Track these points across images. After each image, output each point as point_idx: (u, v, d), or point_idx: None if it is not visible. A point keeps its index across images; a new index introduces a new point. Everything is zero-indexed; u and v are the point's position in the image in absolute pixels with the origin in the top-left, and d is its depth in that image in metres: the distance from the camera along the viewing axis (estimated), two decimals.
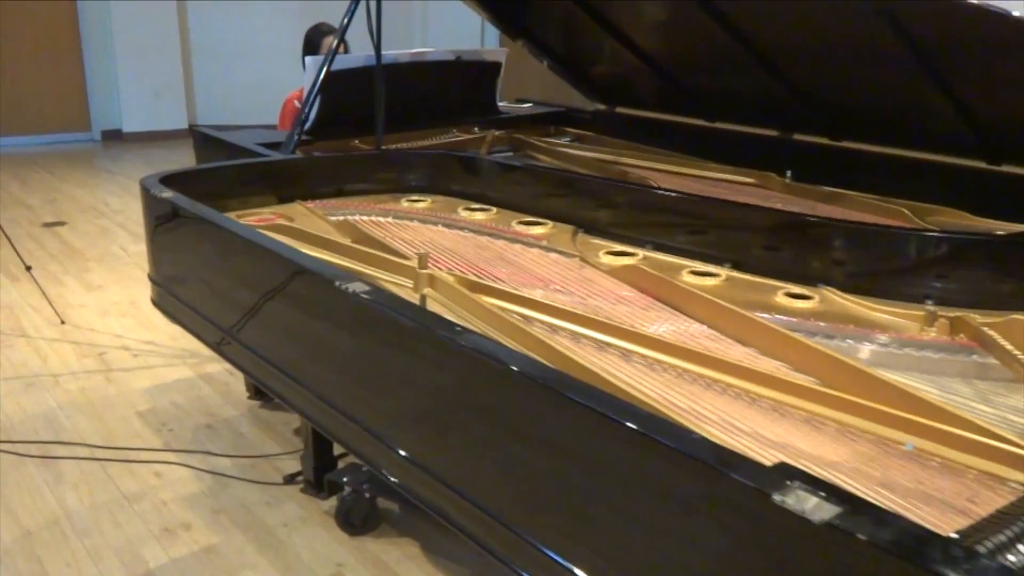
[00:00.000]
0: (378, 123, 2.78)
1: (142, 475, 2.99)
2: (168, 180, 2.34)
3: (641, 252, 2.27)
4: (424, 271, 1.85)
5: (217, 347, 2.25)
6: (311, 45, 4.06)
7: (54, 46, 8.60)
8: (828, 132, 3.11)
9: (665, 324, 1.77)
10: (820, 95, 3.00)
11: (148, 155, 8.35)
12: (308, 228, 2.24)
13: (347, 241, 2.18)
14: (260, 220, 2.39)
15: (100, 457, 3.09)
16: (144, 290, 4.80)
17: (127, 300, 4.64)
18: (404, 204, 2.61)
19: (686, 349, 1.55)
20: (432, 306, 1.83)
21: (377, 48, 2.74)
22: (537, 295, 1.85)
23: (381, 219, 2.39)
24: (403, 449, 1.65)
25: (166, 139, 8.92)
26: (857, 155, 3.03)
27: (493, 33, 9.93)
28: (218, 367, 3.83)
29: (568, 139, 3.81)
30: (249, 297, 2.00)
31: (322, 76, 3.01)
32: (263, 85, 9.23)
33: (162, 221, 2.26)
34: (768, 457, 1.27)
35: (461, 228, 2.35)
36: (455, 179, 2.73)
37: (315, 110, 3.32)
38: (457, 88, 3.76)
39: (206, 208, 2.11)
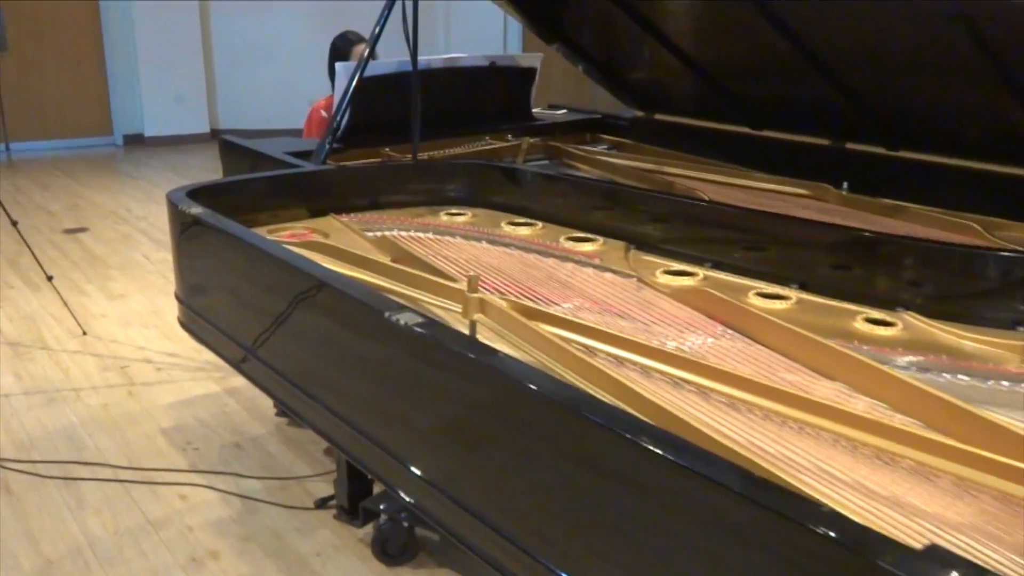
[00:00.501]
0: (414, 132, 2.65)
1: (167, 498, 2.86)
2: (196, 193, 2.22)
3: (701, 271, 2.12)
4: (474, 295, 1.72)
5: (248, 372, 2.11)
6: (339, 54, 3.93)
7: (76, 50, 8.53)
8: (885, 141, 2.95)
9: (741, 356, 1.62)
10: (879, 102, 2.85)
11: (170, 160, 8.27)
12: (345, 245, 2.11)
13: (387, 260, 2.05)
14: (293, 236, 2.26)
15: (124, 479, 2.97)
16: (167, 300, 4.70)
17: (150, 310, 4.53)
18: (443, 218, 2.48)
19: (772, 387, 1.40)
20: (483, 333, 1.69)
21: (413, 54, 2.61)
22: (595, 321, 1.71)
23: (421, 235, 2.25)
24: (440, 481, 1.52)
25: (188, 143, 8.85)
26: (915, 166, 2.87)
27: (516, 34, 9.81)
28: (243, 381, 3.67)
29: (605, 147, 3.67)
30: (284, 321, 1.87)
31: (354, 84, 2.87)
32: (286, 89, 9.15)
33: (190, 238, 2.13)
34: (881, 516, 1.12)
35: (507, 245, 2.21)
36: (496, 191, 2.59)
37: (346, 118, 3.21)
38: (491, 95, 3.63)
39: (237, 225, 1.98)
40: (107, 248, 5.55)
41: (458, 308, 1.77)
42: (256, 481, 2.95)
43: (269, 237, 2.19)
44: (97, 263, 5.26)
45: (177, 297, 2.30)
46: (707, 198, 2.64)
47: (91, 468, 3.03)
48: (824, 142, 3.13)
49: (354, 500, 2.57)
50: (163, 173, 7.76)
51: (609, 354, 1.58)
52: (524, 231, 2.36)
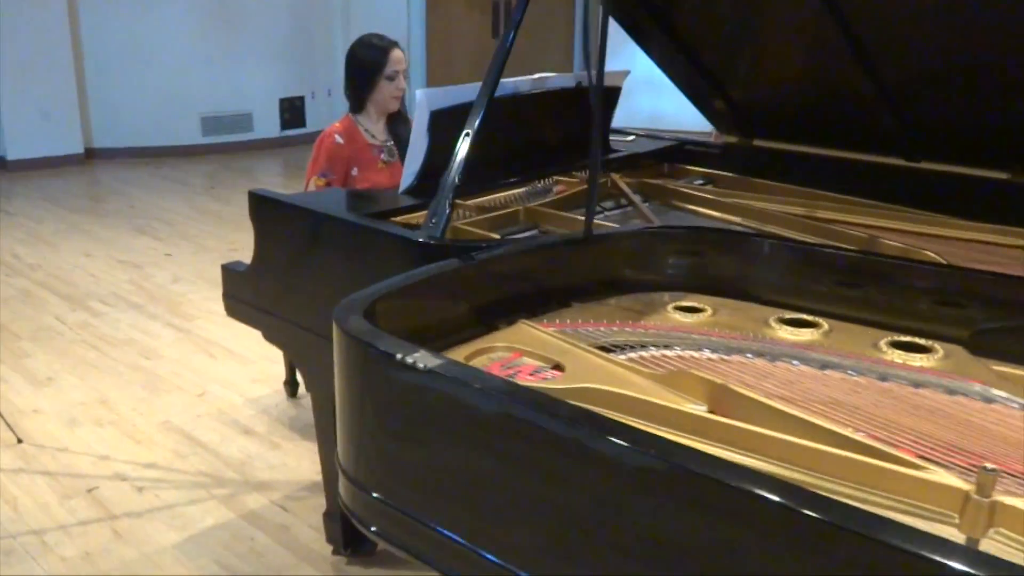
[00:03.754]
0: (592, 191, 1.91)
1: None
2: (372, 312, 1.43)
3: None
4: (987, 499, 1.05)
5: None
6: (364, 66, 3.09)
7: None
8: None
9: None
10: None
11: (42, 187, 7.05)
12: (607, 382, 1.38)
13: (700, 409, 1.33)
14: (504, 366, 1.50)
15: None
16: (111, 381, 3.71)
17: (95, 398, 3.56)
18: (676, 315, 1.76)
19: None
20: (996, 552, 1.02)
21: (599, 77, 1.87)
22: None
23: (694, 354, 1.54)
24: None
25: (59, 166, 7.62)
26: None
27: (419, 16, 9.03)
28: (261, 498, 2.86)
29: (701, 181, 3.04)
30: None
31: (480, 119, 2.12)
32: (172, 101, 8.04)
33: (400, 396, 1.32)
34: None
35: (835, 366, 1.53)
36: (725, 269, 1.90)
37: (421, 161, 2.45)
38: (570, 122, 2.92)
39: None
40: (8, 311, 4.46)
41: (952, 516, 1.09)
42: None
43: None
44: (2, 332, 4.19)
45: (345, 472, 1.46)
46: (943, 260, 2.06)
47: None
48: (1001, 176, 2.61)
49: None
50: (40, 204, 6.57)
51: None
52: (812, 335, 1.67)
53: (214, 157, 8.17)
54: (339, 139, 3.09)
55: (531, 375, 1.49)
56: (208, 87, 8.24)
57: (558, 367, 1.51)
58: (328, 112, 8.85)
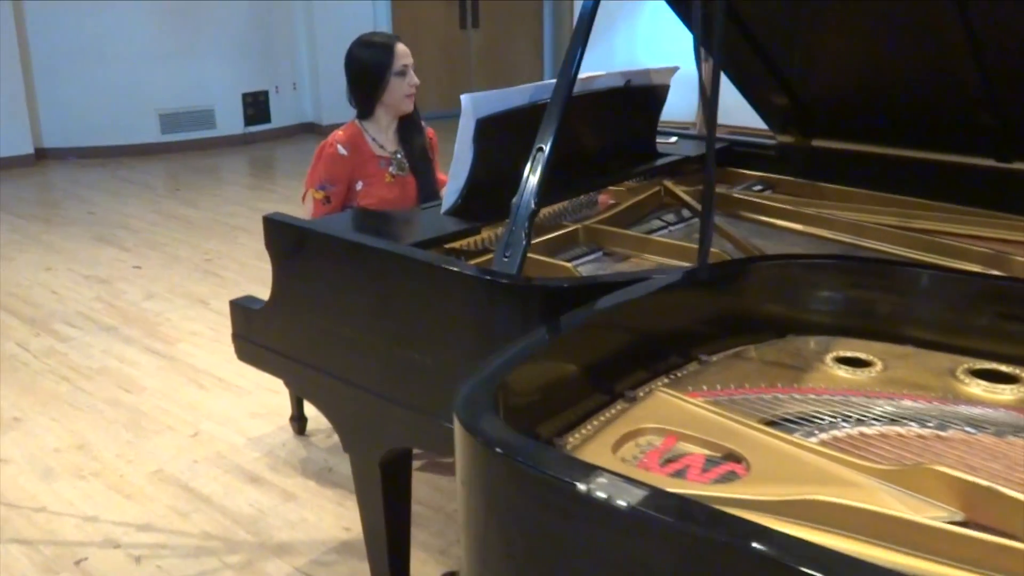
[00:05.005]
0: (706, 221, 1.57)
1: None
2: (496, 404, 1.08)
3: None
4: None
5: None
6: (366, 68, 2.74)
7: None
8: None
9: None
10: None
11: None
12: (843, 492, 1.03)
13: (951, 512, 1.01)
14: (667, 458, 1.15)
15: None
16: (89, 420, 3.29)
17: (72, 443, 3.14)
18: (839, 372, 1.43)
19: None
20: None
21: (714, 92, 1.53)
22: None
23: (899, 430, 1.20)
24: None
25: (7, 168, 7.08)
26: None
27: (385, 6, 8.61)
28: (283, 565, 2.49)
29: (759, 186, 2.73)
30: None
31: (554, 134, 1.78)
32: (126, 97, 7.54)
33: (586, 546, 0.96)
34: None
35: None
36: (868, 304, 1.57)
37: (466, 177, 2.10)
38: (617, 125, 2.60)
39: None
40: None
41: None
42: None
43: (633, 473, 1.10)
44: None
45: None
46: None
47: None
48: None
49: None
50: None
51: None
52: (1018, 392, 1.35)
53: (175, 156, 7.69)
54: (342, 150, 2.74)
55: (703, 472, 1.15)
56: (166, 82, 7.74)
57: (732, 456, 1.17)
58: (294, 107, 8.40)
